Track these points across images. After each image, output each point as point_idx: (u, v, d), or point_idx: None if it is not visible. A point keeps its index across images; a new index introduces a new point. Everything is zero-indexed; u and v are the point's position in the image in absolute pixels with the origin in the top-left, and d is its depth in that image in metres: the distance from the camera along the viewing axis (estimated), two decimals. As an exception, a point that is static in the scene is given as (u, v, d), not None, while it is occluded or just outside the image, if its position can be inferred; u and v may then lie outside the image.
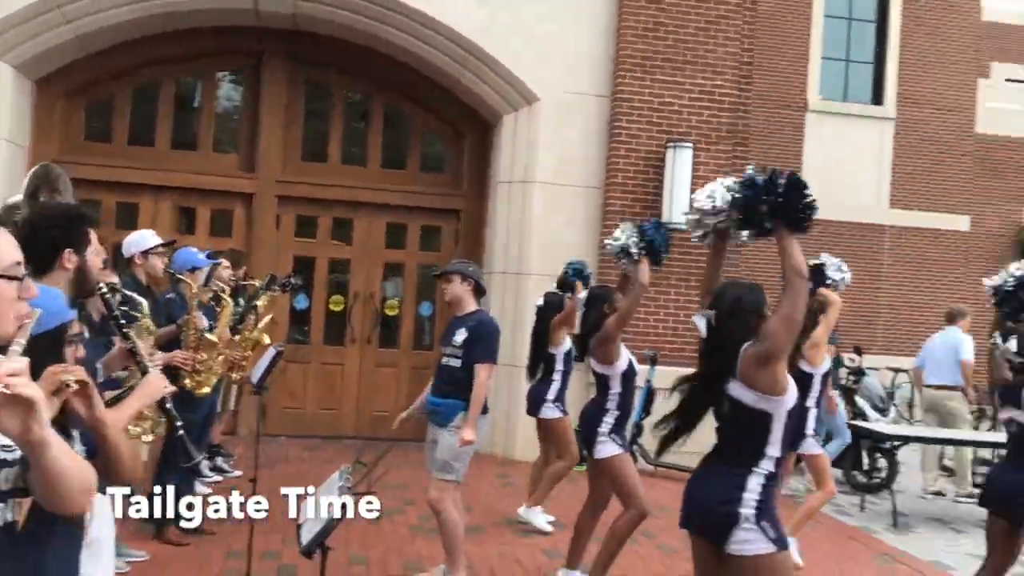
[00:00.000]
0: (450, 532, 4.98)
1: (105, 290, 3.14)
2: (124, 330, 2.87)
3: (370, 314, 9.90)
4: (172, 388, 2.74)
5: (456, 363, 4.97)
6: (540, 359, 6.56)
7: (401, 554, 5.74)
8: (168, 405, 2.77)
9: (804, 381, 5.87)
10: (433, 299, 9.93)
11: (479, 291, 5.11)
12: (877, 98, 15.42)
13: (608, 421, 4.97)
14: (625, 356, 5.09)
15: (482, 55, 9.04)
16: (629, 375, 5.08)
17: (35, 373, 1.82)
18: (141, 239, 5.37)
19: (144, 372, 2.74)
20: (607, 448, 4.95)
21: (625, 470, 4.99)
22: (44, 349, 2.13)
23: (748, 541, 3.05)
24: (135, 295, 4.34)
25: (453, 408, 4.95)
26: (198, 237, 9.09)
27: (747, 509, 3.06)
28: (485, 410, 5.05)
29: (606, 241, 5.48)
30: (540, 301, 6.70)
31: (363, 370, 9.88)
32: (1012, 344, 4.38)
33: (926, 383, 9.08)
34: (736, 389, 3.12)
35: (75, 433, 2.03)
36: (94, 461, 2.16)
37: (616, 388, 5.03)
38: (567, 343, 6.50)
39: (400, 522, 6.48)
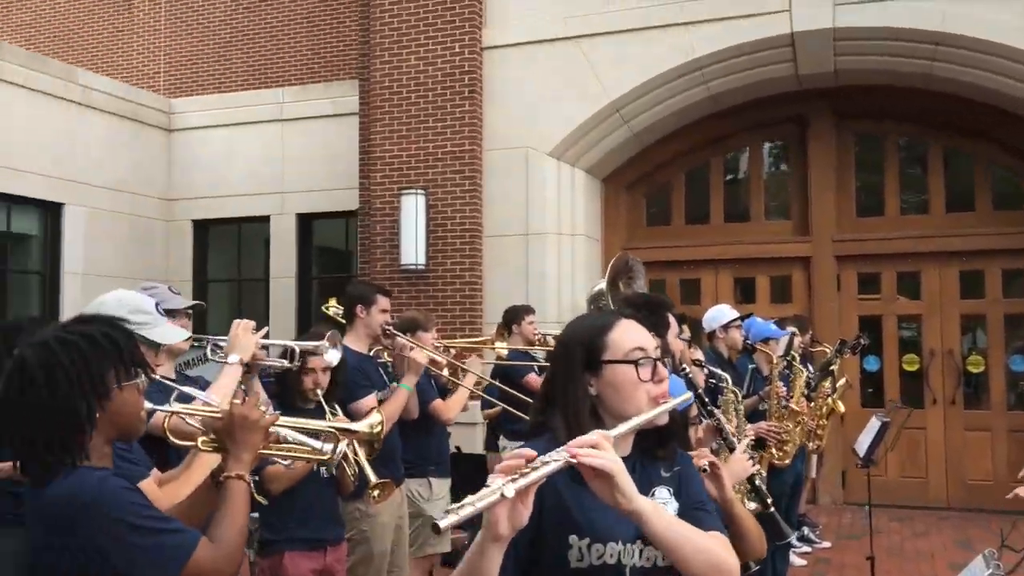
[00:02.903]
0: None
1: (688, 370, 3.27)
2: (708, 407, 2.92)
3: (951, 372, 9.05)
4: (756, 467, 2.70)
5: None
6: None
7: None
8: (758, 482, 2.75)
9: None
10: (1028, 351, 8.77)
11: None
12: None
13: None
14: None
15: (1057, 68, 7.89)
16: None
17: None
18: (720, 314, 5.55)
19: (731, 449, 2.74)
20: None
21: None
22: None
23: None
24: (718, 370, 4.47)
25: None
26: (758, 306, 9.19)
27: None
28: None
29: None
30: None
31: (948, 434, 9.02)
32: None
33: None
34: None
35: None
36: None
37: None
38: None
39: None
